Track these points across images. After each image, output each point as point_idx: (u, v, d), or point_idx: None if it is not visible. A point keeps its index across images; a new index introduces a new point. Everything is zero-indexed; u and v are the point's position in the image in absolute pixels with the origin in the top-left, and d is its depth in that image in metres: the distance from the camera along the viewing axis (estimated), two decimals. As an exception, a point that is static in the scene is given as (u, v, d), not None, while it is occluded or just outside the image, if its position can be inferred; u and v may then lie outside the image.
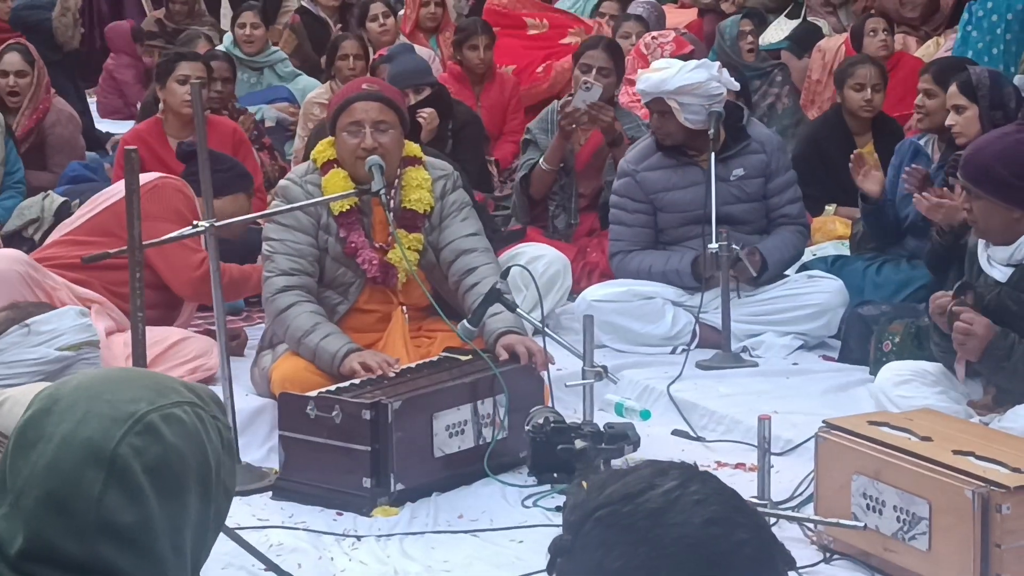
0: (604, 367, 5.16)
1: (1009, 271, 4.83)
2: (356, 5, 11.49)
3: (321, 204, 5.36)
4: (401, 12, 11.11)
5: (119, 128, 10.00)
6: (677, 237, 6.42)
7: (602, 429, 4.87)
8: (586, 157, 7.34)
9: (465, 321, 5.11)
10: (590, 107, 7.01)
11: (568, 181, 7.29)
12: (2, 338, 5.41)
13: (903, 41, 9.81)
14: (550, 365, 5.17)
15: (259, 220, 5.84)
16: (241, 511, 4.73)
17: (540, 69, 9.79)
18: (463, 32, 9.28)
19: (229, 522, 4.43)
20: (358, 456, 4.73)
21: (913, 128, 6.84)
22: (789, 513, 4.49)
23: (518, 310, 5.19)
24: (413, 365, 5.18)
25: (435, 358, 5.27)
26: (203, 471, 1.87)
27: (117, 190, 5.82)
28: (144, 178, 5.96)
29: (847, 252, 6.90)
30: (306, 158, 5.75)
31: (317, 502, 4.79)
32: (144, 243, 4.52)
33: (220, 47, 10.06)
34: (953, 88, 6.20)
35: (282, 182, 5.63)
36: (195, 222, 4.95)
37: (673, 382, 5.78)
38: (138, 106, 10.77)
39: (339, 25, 11.75)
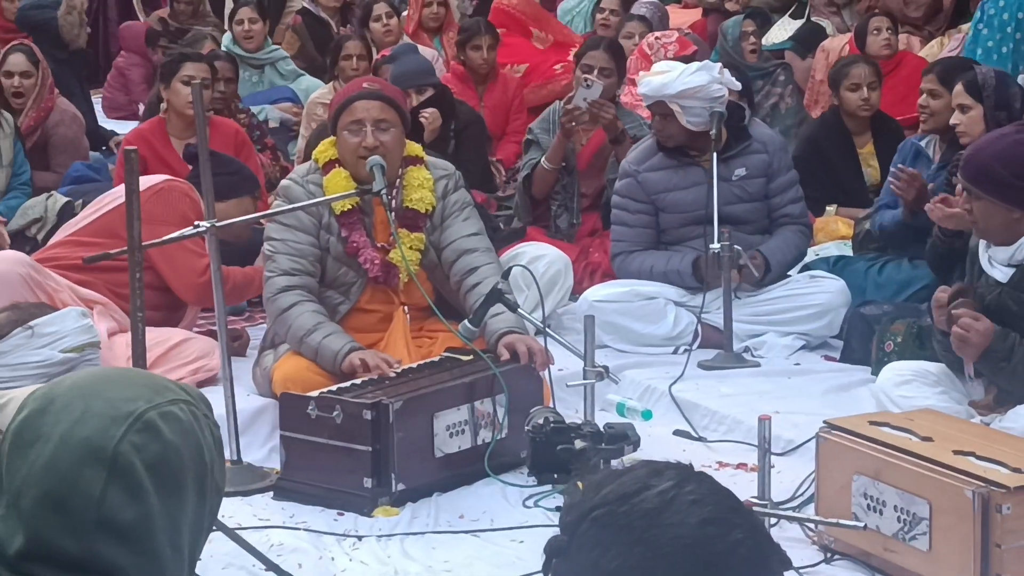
0: (605, 367, 5.16)
1: (1010, 271, 4.82)
2: (359, 5, 11.49)
3: (323, 204, 5.37)
4: (405, 13, 11.11)
5: (124, 128, 10.00)
6: (679, 237, 6.42)
7: (602, 429, 4.88)
8: (588, 156, 7.34)
9: (466, 321, 5.12)
10: (591, 105, 7.02)
11: (570, 181, 7.29)
12: (6, 340, 5.41)
13: (907, 41, 9.81)
14: (551, 365, 5.18)
15: (261, 220, 5.84)
16: (242, 511, 4.74)
17: (559, 67, 9.75)
18: (466, 32, 9.29)
19: (230, 522, 4.45)
20: (359, 456, 4.74)
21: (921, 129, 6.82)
22: (790, 513, 4.50)
23: (519, 310, 5.19)
24: (414, 365, 5.18)
25: (436, 358, 5.27)
26: (199, 469, 1.89)
27: (122, 191, 5.80)
28: (150, 180, 5.98)
29: (849, 252, 6.89)
30: (307, 158, 5.76)
31: (318, 502, 4.79)
32: (144, 244, 4.52)
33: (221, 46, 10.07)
34: (959, 87, 6.20)
35: (284, 182, 5.64)
36: (196, 222, 4.95)
37: (675, 382, 5.78)
38: (140, 106, 10.81)
39: (347, 26, 11.74)
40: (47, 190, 7.84)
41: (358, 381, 5.02)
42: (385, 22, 10.39)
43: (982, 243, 4.93)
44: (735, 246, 6.05)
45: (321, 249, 5.43)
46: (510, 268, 5.56)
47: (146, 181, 5.87)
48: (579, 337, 5.19)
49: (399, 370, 5.11)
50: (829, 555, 4.31)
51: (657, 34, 9.19)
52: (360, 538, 4.56)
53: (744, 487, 4.49)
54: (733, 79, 6.41)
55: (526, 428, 4.91)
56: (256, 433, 5.29)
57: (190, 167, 6.37)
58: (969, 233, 5.18)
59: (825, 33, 10.31)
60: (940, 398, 4.91)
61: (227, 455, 4.87)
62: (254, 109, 9.20)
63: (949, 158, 6.32)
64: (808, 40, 10.17)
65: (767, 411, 4.63)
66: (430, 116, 7.40)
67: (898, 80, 8.69)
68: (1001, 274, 4.84)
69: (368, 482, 4.73)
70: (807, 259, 6.73)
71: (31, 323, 5.42)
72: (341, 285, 5.47)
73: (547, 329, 5.21)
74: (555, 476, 4.88)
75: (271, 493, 4.91)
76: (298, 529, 4.63)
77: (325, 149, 5.51)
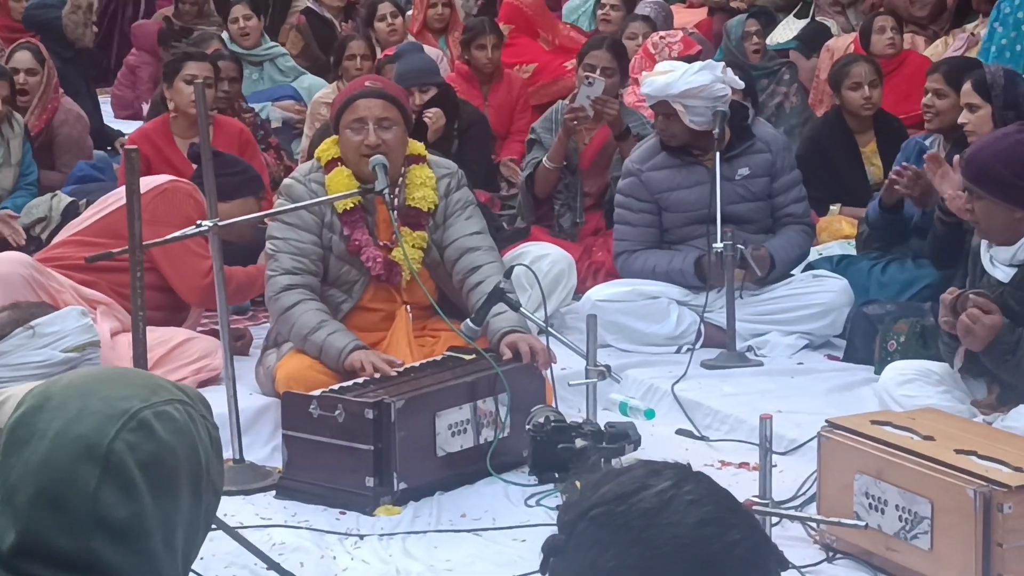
0: (607, 366, 5.15)
1: (1012, 271, 4.82)
2: (363, 5, 11.48)
3: (325, 203, 5.37)
4: (410, 12, 11.10)
5: (130, 128, 10.00)
6: (682, 236, 6.42)
7: (603, 428, 4.88)
8: (591, 155, 7.34)
9: (469, 320, 5.12)
10: (595, 101, 7.02)
11: (573, 180, 7.29)
12: (7, 340, 5.42)
13: (911, 40, 9.80)
14: (553, 364, 5.18)
15: (264, 219, 5.84)
16: (244, 510, 4.74)
17: (570, 64, 9.73)
18: (471, 32, 9.27)
19: (232, 521, 4.46)
20: (361, 455, 4.74)
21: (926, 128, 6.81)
22: (792, 512, 4.50)
23: (522, 309, 5.19)
24: (417, 364, 5.18)
25: (439, 357, 5.27)
26: (194, 468, 1.88)
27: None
28: (154, 180, 5.98)
29: (853, 252, 6.89)
30: (310, 157, 5.76)
31: (320, 501, 4.79)
32: (145, 244, 4.52)
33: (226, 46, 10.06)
34: (967, 86, 6.19)
35: (286, 181, 5.64)
36: (199, 221, 4.95)
37: (677, 381, 5.78)
38: (143, 106, 10.81)
39: (350, 23, 11.73)
40: (52, 189, 7.85)
41: (360, 380, 5.02)
42: (390, 22, 10.37)
43: (984, 243, 4.93)
44: (738, 245, 6.05)
45: (323, 248, 5.43)
46: (512, 267, 5.56)
47: (150, 181, 5.88)
48: (582, 336, 5.19)
49: (401, 369, 5.11)
50: (831, 554, 4.31)
51: (661, 33, 9.18)
52: (362, 537, 4.56)
53: (746, 486, 4.49)
54: (736, 78, 6.40)
55: (527, 427, 4.91)
56: (258, 432, 5.30)
57: (195, 166, 6.37)
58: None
59: (830, 32, 10.31)
60: (943, 397, 4.91)
61: (230, 454, 4.88)
62: (255, 107, 9.19)
63: (953, 157, 6.31)
64: (813, 39, 10.17)
65: (770, 410, 4.63)
66: (433, 116, 7.40)
67: (901, 79, 8.68)
68: (1003, 274, 4.84)
69: (370, 481, 4.74)
70: (810, 258, 6.73)
71: (32, 323, 5.43)
72: (343, 284, 5.47)
73: (549, 328, 5.20)
74: (556, 475, 4.87)
75: (273, 492, 4.91)
76: (300, 528, 4.63)
77: (327, 148, 5.51)
